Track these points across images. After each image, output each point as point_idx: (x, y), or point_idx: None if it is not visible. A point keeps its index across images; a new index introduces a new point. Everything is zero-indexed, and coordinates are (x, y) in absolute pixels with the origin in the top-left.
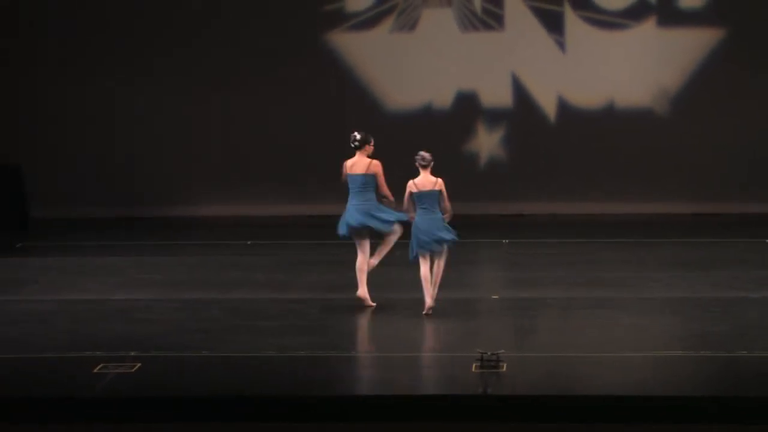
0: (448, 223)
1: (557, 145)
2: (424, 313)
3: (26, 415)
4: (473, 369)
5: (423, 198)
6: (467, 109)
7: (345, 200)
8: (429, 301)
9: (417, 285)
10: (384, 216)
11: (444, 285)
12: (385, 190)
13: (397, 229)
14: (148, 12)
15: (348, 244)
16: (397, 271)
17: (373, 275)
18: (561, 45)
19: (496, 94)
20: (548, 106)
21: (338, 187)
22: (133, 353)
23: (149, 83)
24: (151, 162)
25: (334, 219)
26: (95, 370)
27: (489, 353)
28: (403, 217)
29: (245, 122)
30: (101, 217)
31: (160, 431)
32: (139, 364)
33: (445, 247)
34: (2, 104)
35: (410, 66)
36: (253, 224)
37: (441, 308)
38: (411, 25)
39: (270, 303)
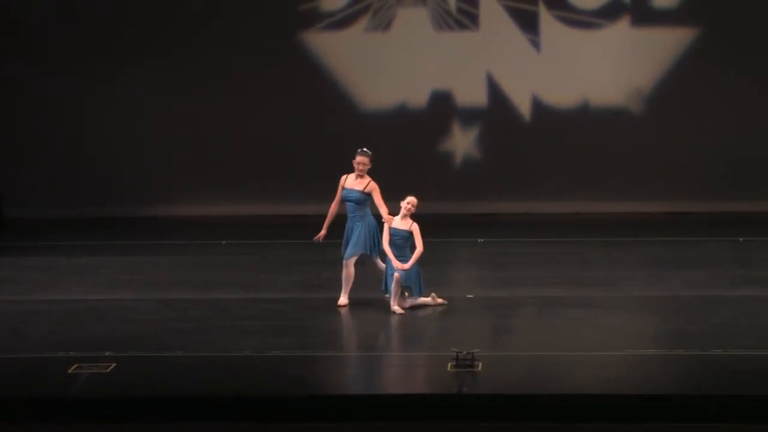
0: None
1: (532, 144)
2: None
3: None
4: (448, 368)
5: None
6: (442, 108)
7: (322, 200)
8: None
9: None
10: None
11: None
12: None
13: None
14: (125, 11)
15: (318, 244)
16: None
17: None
18: (536, 44)
19: (471, 94)
20: (523, 106)
21: (315, 186)
22: (108, 353)
23: (127, 82)
24: (129, 162)
25: (313, 218)
26: (70, 371)
27: (464, 352)
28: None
29: (223, 121)
30: (78, 217)
31: (134, 431)
32: (114, 364)
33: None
34: None
35: (385, 65)
36: (232, 224)
37: (415, 307)
38: (386, 25)
39: (248, 303)
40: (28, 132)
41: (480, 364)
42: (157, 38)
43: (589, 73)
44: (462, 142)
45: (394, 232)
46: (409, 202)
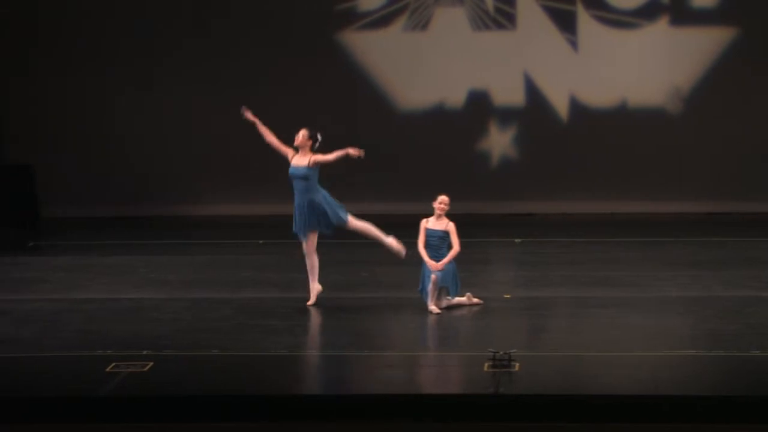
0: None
1: (569, 144)
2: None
3: (39, 414)
4: (485, 368)
5: None
6: (479, 108)
7: (360, 199)
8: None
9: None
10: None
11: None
12: None
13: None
14: (154, 11)
15: (358, 244)
16: (407, 270)
17: (383, 275)
18: (573, 44)
19: (509, 94)
20: (560, 105)
21: (353, 186)
22: (145, 352)
23: (159, 82)
24: (162, 161)
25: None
26: (107, 370)
27: (501, 352)
28: None
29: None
30: (112, 216)
31: (172, 431)
32: (151, 363)
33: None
34: (13, 105)
35: (422, 65)
36: (263, 223)
37: (452, 307)
38: (423, 24)
39: (280, 302)
40: (64, 133)
41: (517, 365)
42: (193, 37)
43: (627, 73)
44: (499, 142)
45: (429, 233)
46: (441, 201)
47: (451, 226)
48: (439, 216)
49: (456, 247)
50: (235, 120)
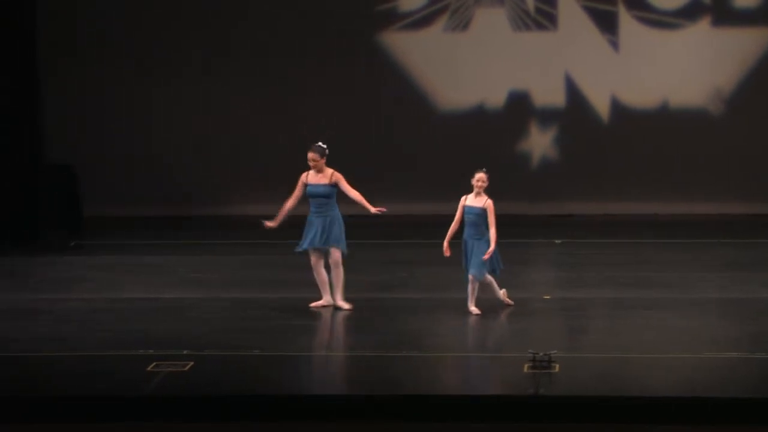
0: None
1: (610, 145)
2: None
3: (80, 413)
4: (525, 369)
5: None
6: (520, 108)
7: (399, 200)
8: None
9: (466, 285)
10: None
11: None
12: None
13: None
14: (194, 13)
15: (395, 245)
16: (448, 271)
17: (424, 275)
18: (614, 45)
19: (549, 94)
20: (601, 106)
21: (392, 186)
22: (185, 352)
23: (199, 82)
24: (201, 161)
25: (383, 219)
26: (148, 369)
27: (541, 354)
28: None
29: (296, 121)
30: (152, 216)
31: (214, 430)
32: (191, 363)
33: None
34: (56, 106)
35: (463, 65)
36: (301, 224)
37: (492, 308)
38: (464, 25)
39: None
40: (105, 133)
41: (557, 366)
42: (234, 38)
43: (669, 74)
44: (539, 143)
45: (467, 210)
46: (478, 179)
47: (489, 204)
48: (478, 193)
49: (492, 230)
50: (274, 120)
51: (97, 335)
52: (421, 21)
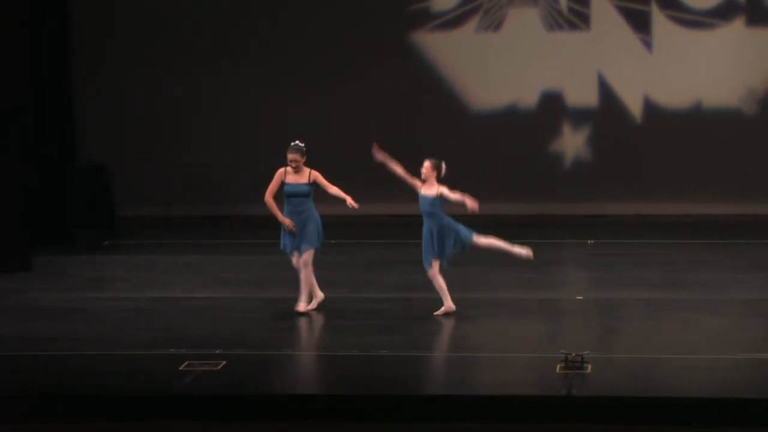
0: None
1: (643, 145)
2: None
3: (114, 411)
4: (558, 370)
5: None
6: (552, 108)
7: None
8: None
9: (498, 285)
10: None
11: (528, 285)
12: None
13: None
14: (227, 14)
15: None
16: (478, 271)
17: (451, 275)
18: (647, 44)
19: (582, 94)
20: (634, 106)
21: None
22: (218, 351)
23: (233, 82)
24: (235, 161)
25: (415, 218)
26: (181, 368)
27: (573, 354)
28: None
29: (328, 121)
30: (186, 215)
31: (246, 429)
32: (224, 362)
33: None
34: (90, 106)
35: (495, 65)
36: (334, 223)
37: (525, 308)
38: (496, 25)
39: (350, 302)
40: (139, 133)
41: (589, 366)
42: (265, 39)
43: (702, 74)
44: (572, 143)
45: (420, 200)
46: (423, 167)
47: (442, 189)
48: (426, 181)
49: (457, 194)
50: (308, 120)
51: (130, 334)
52: (454, 21)
